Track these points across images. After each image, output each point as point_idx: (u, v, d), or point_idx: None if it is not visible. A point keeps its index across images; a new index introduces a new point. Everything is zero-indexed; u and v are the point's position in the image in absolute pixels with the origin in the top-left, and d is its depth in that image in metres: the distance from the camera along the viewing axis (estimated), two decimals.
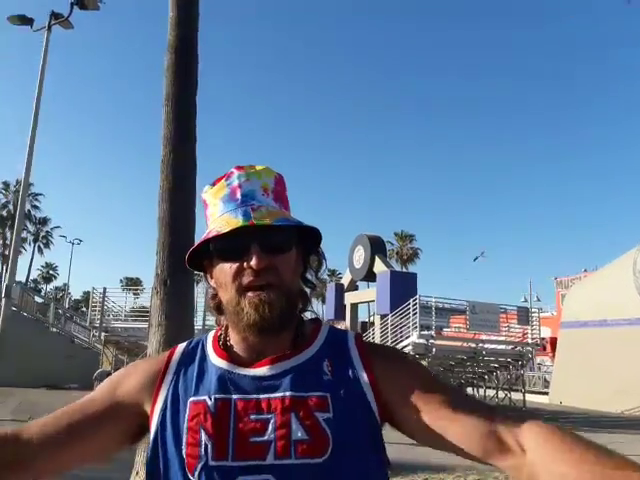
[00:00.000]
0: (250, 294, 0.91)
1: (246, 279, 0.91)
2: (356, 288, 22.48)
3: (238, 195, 0.96)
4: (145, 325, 17.15)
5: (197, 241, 0.97)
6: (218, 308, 0.99)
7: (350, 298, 21.77)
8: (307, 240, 1.00)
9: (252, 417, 0.88)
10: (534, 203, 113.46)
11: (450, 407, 0.87)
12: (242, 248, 0.92)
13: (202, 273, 1.02)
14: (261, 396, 0.90)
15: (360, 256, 20.80)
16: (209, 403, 0.90)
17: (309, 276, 1.03)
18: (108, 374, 15.38)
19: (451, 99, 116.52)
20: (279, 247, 0.94)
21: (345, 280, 21.59)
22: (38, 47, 13.79)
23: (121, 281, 78.69)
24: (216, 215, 0.97)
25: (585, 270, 35.66)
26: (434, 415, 0.88)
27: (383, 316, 18.41)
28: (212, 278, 0.99)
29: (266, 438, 0.86)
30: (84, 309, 55.62)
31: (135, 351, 18.84)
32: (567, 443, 0.77)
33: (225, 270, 0.94)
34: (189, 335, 5.90)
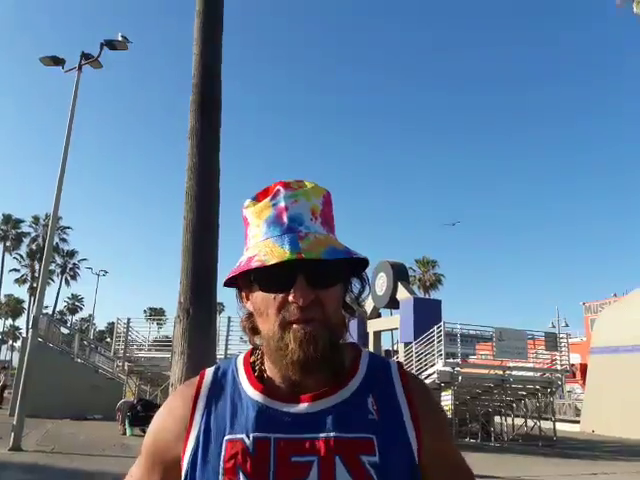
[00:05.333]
0: (295, 327, 0.85)
1: (290, 315, 0.85)
2: (379, 315, 22.27)
3: (285, 219, 0.88)
4: (168, 355, 17.18)
5: (237, 265, 0.89)
6: (253, 329, 0.92)
7: (373, 326, 21.53)
8: (352, 265, 0.92)
9: (293, 459, 0.83)
10: (555, 227, 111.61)
11: None
12: (287, 280, 0.85)
13: (236, 292, 0.95)
14: (303, 436, 0.84)
15: (383, 283, 20.63)
16: (247, 442, 0.84)
17: (348, 300, 0.95)
18: (131, 405, 15.47)
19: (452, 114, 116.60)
20: (326, 280, 0.87)
21: (367, 307, 21.41)
22: (69, 86, 14.09)
23: (145, 311, 79.56)
24: (259, 238, 0.89)
25: (615, 294, 34.74)
26: None
27: (407, 344, 18.12)
28: (248, 300, 0.92)
29: None
30: (108, 340, 56.18)
31: (158, 381, 18.88)
32: None
33: (268, 301, 0.87)
34: (212, 364, 5.84)
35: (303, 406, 0.87)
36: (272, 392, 0.89)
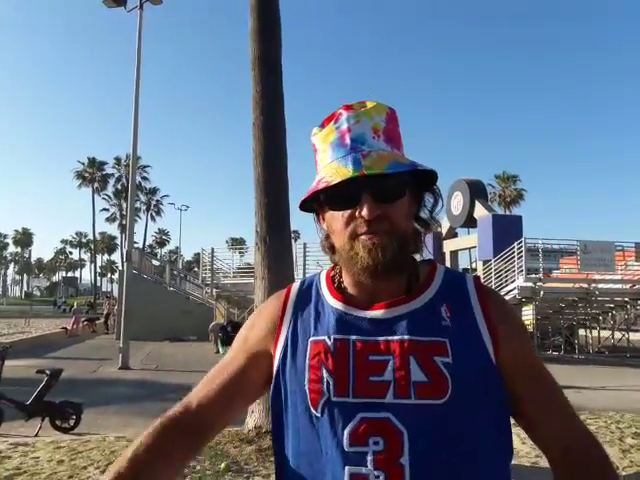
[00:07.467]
0: (363, 237, 0.91)
1: (359, 228, 0.91)
2: (455, 235, 21.93)
3: (347, 140, 0.93)
4: (251, 280, 18.01)
5: (308, 190, 0.96)
6: (332, 248, 0.99)
7: (449, 246, 21.33)
8: (421, 179, 0.97)
9: (370, 357, 0.90)
10: None
11: (546, 402, 0.97)
12: (353, 197, 0.91)
13: (314, 216, 1.03)
14: (378, 338, 0.91)
15: (458, 202, 20.12)
16: (329, 343, 0.93)
17: (423, 215, 1.00)
18: (222, 327, 16.58)
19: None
20: (391, 195, 0.92)
21: (443, 228, 21.14)
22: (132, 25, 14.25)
23: (227, 242, 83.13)
24: (325, 162, 0.96)
25: None
26: (534, 401, 0.96)
27: (486, 262, 17.88)
28: (324, 221, 1.00)
29: (385, 378, 0.88)
30: (196, 269, 59.54)
31: (244, 304, 20.00)
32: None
33: (337, 218, 0.94)
34: None
35: (378, 312, 0.94)
36: (350, 300, 0.97)
